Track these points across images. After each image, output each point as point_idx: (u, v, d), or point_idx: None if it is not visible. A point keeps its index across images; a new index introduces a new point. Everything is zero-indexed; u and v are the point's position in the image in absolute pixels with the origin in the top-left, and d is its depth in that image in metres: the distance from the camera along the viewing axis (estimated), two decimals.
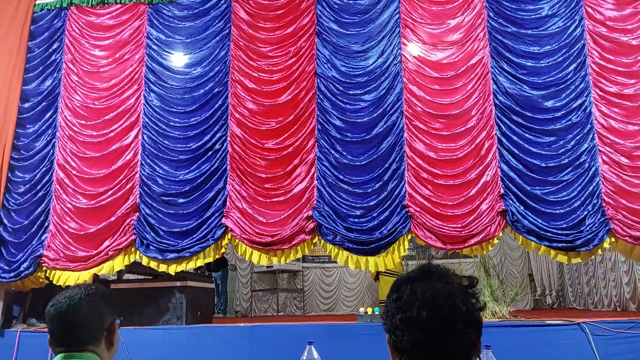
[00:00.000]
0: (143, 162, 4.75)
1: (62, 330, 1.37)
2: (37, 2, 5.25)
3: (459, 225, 4.22)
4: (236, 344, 4.14)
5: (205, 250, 4.48)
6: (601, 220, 4.07)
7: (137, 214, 4.65)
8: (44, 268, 4.67)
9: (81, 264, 4.59)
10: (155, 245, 4.51)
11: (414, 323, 0.96)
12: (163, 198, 4.64)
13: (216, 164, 4.65)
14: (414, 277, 1.03)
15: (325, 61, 4.70)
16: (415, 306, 0.97)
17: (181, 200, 4.62)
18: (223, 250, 4.61)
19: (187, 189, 4.62)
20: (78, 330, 1.35)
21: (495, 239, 4.23)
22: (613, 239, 4.11)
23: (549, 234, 4.10)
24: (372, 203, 4.38)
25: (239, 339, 4.19)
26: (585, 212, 4.11)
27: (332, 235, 4.33)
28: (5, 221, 4.82)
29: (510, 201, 4.23)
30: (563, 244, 4.08)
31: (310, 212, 4.40)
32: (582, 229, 4.09)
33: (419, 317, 0.96)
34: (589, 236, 4.05)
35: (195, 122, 4.74)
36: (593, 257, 4.29)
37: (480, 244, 4.19)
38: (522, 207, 4.20)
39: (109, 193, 4.73)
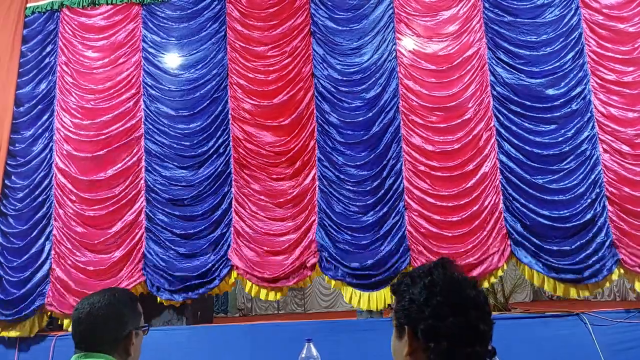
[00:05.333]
0: (149, 167, 4.73)
1: (81, 334, 1.39)
2: (28, 5, 5.20)
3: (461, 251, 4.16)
4: (237, 343, 4.13)
5: (212, 290, 4.50)
6: (610, 251, 3.98)
7: (143, 250, 4.59)
8: (48, 311, 4.61)
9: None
10: (166, 287, 4.46)
11: (459, 304, 0.97)
12: (170, 203, 4.64)
13: (220, 167, 4.64)
14: (442, 264, 1.04)
15: (320, 60, 4.68)
16: (456, 287, 0.99)
17: (187, 204, 4.62)
18: (229, 289, 4.57)
19: (193, 194, 4.61)
20: (95, 336, 1.37)
21: (500, 270, 4.13)
22: (622, 270, 3.99)
23: (554, 263, 3.99)
24: (371, 200, 4.37)
25: (239, 338, 4.18)
26: (589, 200, 4.07)
27: (334, 271, 4.30)
28: (2, 227, 4.79)
29: (513, 226, 4.14)
30: (571, 275, 3.97)
31: (314, 245, 4.38)
32: (589, 255, 3.98)
33: (465, 298, 0.98)
34: (597, 266, 3.96)
35: (197, 127, 4.73)
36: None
37: (485, 275, 4.08)
38: (526, 234, 4.08)
39: (114, 200, 4.70)
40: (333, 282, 4.37)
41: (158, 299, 4.49)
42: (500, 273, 4.17)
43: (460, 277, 1.03)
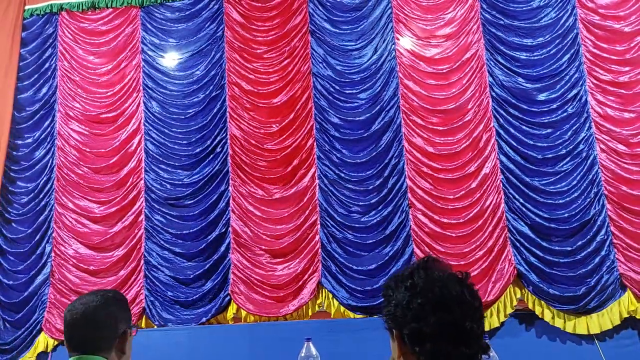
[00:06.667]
0: (147, 168, 4.75)
1: (76, 337, 1.39)
2: (26, 7, 5.22)
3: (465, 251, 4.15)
4: (236, 342, 4.14)
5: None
6: (615, 278, 3.95)
7: (143, 251, 4.59)
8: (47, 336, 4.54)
9: None
10: (161, 314, 4.45)
11: (441, 303, 0.96)
12: (169, 202, 4.66)
13: (218, 166, 4.66)
14: (423, 265, 1.04)
15: (320, 60, 4.71)
16: (437, 287, 0.98)
17: (186, 203, 4.64)
18: (230, 316, 4.47)
19: (189, 192, 4.64)
20: (90, 337, 1.37)
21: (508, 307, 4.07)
22: (633, 302, 3.91)
23: (558, 291, 3.96)
24: (374, 200, 4.38)
25: (238, 337, 4.19)
26: (588, 199, 4.09)
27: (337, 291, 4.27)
28: (5, 231, 4.82)
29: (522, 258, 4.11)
30: (573, 307, 3.92)
31: (316, 248, 4.37)
32: (591, 253, 3.98)
33: (447, 296, 0.97)
34: (603, 297, 3.92)
35: (195, 126, 4.76)
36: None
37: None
38: (535, 276, 4.03)
39: (117, 200, 4.73)
40: (333, 309, 4.29)
41: None
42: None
43: (443, 275, 1.01)
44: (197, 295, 4.43)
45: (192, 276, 4.47)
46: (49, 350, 4.52)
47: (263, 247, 4.47)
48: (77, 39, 5.11)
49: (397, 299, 1.01)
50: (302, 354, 2.25)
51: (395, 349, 1.02)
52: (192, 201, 4.64)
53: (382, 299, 1.07)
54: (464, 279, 1.03)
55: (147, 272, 4.56)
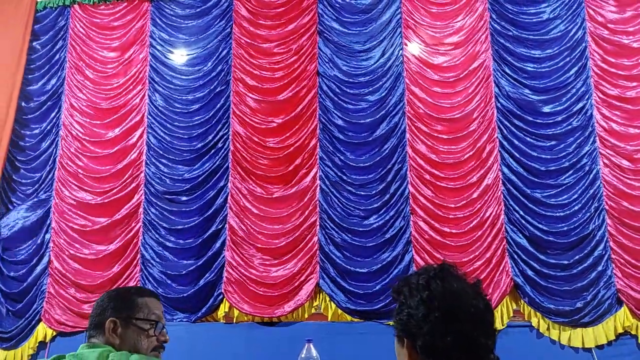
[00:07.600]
0: (148, 161, 4.77)
1: None
2: (39, 0, 5.24)
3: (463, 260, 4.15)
4: (233, 342, 4.15)
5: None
6: (612, 294, 3.98)
7: (139, 245, 4.60)
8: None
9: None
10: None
11: (458, 319, 0.95)
12: (166, 196, 4.67)
13: (218, 162, 4.67)
14: (440, 274, 1.00)
15: (327, 60, 4.72)
16: (455, 301, 0.96)
17: (184, 198, 4.65)
18: (222, 314, 4.44)
19: (188, 187, 4.65)
20: (90, 323, 1.48)
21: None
22: (628, 318, 3.93)
23: (554, 303, 4.00)
24: (376, 205, 4.39)
25: (235, 337, 4.20)
26: (588, 214, 4.11)
27: (336, 295, 4.27)
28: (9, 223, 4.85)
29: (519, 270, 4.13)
30: (568, 319, 3.96)
31: (314, 249, 4.37)
32: (588, 268, 4.00)
33: (465, 312, 0.95)
34: (599, 312, 3.95)
35: (198, 121, 4.77)
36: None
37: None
38: (533, 291, 4.05)
39: (114, 191, 4.75)
40: (330, 312, 4.29)
41: None
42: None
43: (460, 287, 0.99)
44: (189, 293, 4.42)
45: (184, 272, 4.47)
46: (47, 340, 4.56)
47: (259, 246, 4.45)
48: (88, 32, 5.13)
49: (411, 309, 0.98)
50: (303, 355, 2.26)
51: (404, 355, 1.01)
52: (190, 197, 4.64)
53: (390, 301, 1.05)
54: (479, 289, 1.00)
55: (142, 267, 4.56)
